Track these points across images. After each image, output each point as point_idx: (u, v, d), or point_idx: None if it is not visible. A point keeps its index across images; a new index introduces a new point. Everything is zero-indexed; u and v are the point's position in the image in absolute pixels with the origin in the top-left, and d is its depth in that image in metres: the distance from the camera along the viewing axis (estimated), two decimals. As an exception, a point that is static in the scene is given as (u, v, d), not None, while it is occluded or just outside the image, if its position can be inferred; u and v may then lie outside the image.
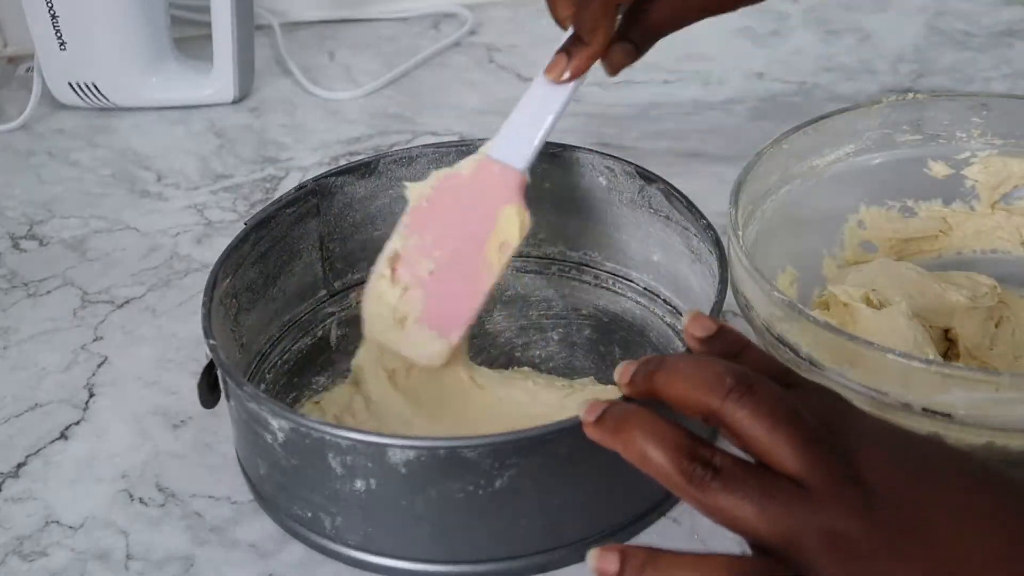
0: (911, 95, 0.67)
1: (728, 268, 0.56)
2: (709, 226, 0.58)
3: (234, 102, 0.94)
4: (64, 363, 0.67)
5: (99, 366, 0.67)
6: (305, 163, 0.86)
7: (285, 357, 0.65)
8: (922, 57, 0.94)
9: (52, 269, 0.76)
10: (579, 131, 0.86)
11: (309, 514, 0.53)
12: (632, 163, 0.63)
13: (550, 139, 0.60)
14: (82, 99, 0.93)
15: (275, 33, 1.03)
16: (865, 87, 0.90)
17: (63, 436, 0.62)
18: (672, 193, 0.61)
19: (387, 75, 0.97)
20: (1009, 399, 0.48)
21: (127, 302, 0.72)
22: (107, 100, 0.93)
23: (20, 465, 0.60)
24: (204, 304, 0.56)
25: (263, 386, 0.62)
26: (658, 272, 0.65)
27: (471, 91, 0.95)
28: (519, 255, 0.69)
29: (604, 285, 0.67)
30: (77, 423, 0.63)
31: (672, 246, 0.63)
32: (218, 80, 0.93)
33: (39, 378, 0.66)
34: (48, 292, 0.74)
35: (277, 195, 0.64)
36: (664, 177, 0.62)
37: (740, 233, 0.57)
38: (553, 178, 0.66)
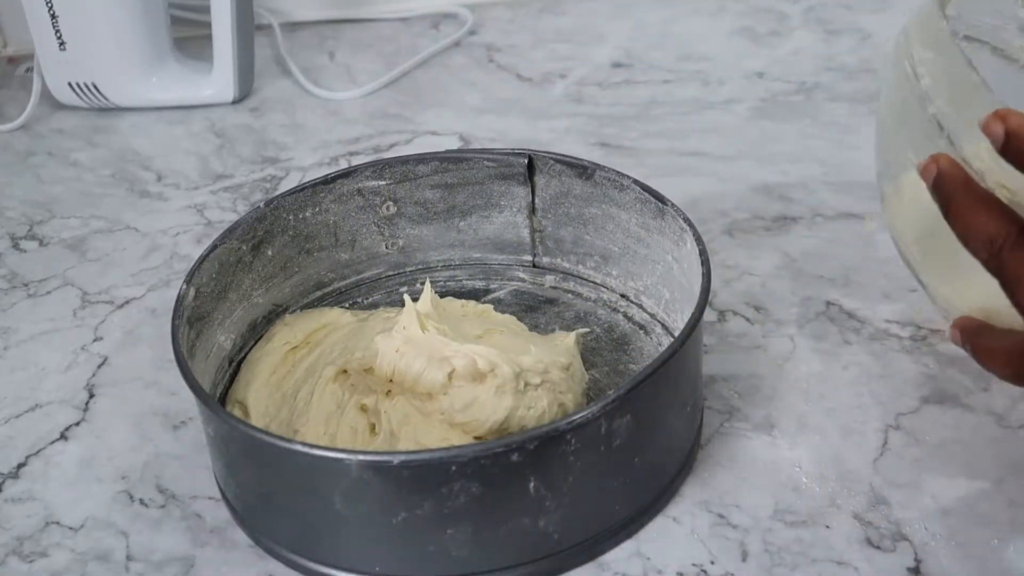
0: None
1: (708, 296, 0.52)
2: (706, 261, 0.55)
3: (234, 102, 0.94)
4: (64, 363, 0.67)
5: (99, 366, 0.67)
6: (305, 163, 0.86)
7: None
8: (922, 57, 0.94)
9: (52, 269, 0.76)
10: (579, 131, 0.86)
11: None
12: (648, 186, 0.60)
13: (568, 153, 0.56)
14: (82, 99, 0.93)
15: (275, 33, 1.03)
16: (865, 87, 0.89)
17: (63, 437, 0.62)
18: (682, 217, 0.57)
19: (387, 75, 0.97)
20: None
21: (127, 302, 0.72)
22: (107, 100, 0.93)
23: (20, 465, 0.60)
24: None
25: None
26: (669, 306, 0.62)
27: (471, 91, 0.95)
28: (558, 271, 0.67)
29: (617, 308, 0.65)
30: (77, 424, 0.63)
31: (679, 281, 0.59)
32: (218, 80, 0.93)
33: (39, 378, 0.66)
34: (48, 292, 0.74)
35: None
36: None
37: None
38: (575, 190, 0.63)
